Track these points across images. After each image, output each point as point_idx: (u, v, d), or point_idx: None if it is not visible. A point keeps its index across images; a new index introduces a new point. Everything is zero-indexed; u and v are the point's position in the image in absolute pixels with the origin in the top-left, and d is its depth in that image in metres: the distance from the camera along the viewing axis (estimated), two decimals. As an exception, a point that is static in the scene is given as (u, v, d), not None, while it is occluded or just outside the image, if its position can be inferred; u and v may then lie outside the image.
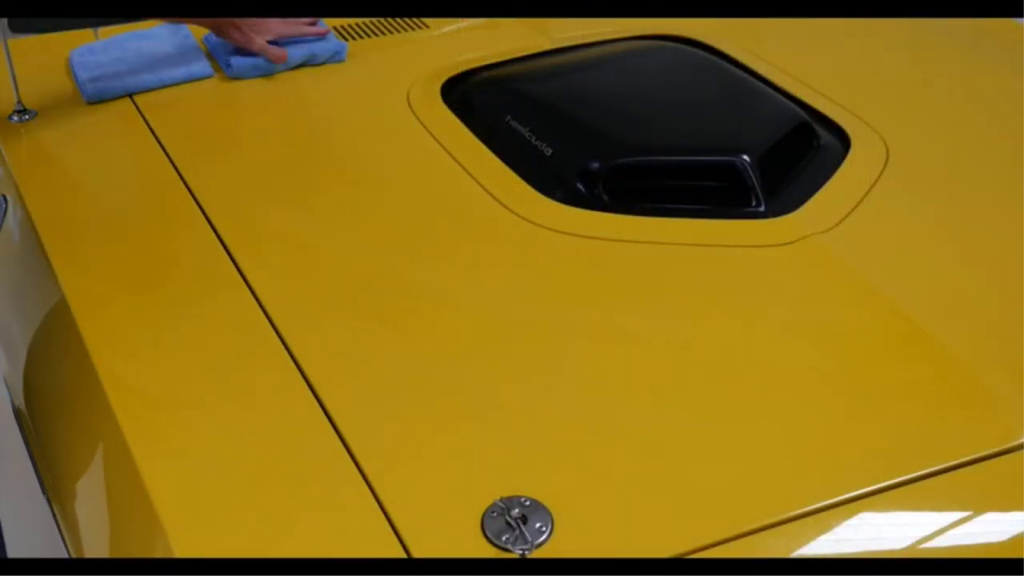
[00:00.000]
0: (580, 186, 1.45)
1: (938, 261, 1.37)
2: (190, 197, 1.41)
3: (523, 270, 1.33)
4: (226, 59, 1.71)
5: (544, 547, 0.95)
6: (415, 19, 1.90)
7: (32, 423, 1.32)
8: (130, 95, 1.66)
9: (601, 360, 1.18)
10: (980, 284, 1.33)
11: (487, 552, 0.94)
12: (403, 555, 0.95)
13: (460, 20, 1.92)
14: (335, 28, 1.87)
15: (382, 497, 0.99)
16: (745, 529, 0.98)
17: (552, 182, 1.45)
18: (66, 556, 1.16)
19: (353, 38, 1.86)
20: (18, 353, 1.41)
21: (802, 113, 1.60)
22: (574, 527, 0.97)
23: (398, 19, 1.90)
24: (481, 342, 1.20)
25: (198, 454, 1.06)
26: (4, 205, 1.49)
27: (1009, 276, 1.33)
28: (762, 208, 1.42)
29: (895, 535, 1.03)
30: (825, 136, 1.60)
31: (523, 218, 1.39)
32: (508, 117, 1.57)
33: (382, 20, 1.89)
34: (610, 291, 1.29)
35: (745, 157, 1.44)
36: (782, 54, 1.81)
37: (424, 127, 1.59)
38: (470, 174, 1.47)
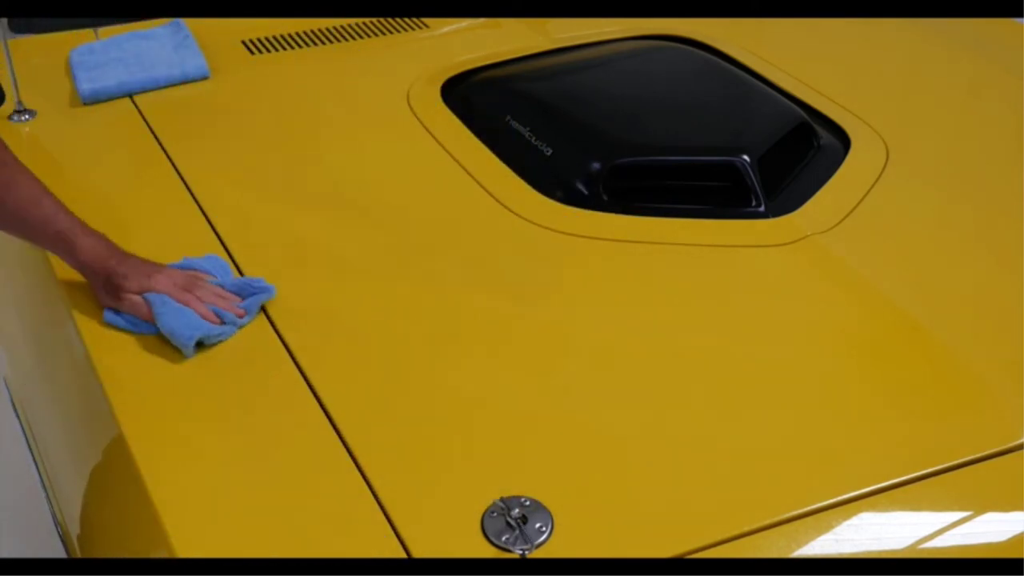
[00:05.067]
0: (580, 186, 1.45)
1: (938, 261, 1.37)
2: (190, 197, 1.41)
3: (523, 270, 1.33)
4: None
5: (544, 547, 0.95)
6: (415, 19, 1.90)
7: (33, 423, 1.32)
8: (128, 95, 1.66)
9: (601, 360, 1.18)
10: (980, 284, 1.33)
11: (487, 552, 0.94)
12: (403, 555, 0.95)
13: (460, 20, 1.92)
14: (336, 28, 1.87)
15: (382, 497, 0.99)
16: (745, 529, 0.98)
17: (552, 182, 1.45)
18: (66, 556, 1.16)
19: (353, 38, 1.86)
20: (18, 353, 1.41)
21: (802, 113, 1.60)
22: (574, 527, 0.97)
23: (398, 19, 1.90)
24: (481, 342, 1.20)
25: (198, 454, 1.06)
26: (4, 205, 1.49)
27: (1009, 276, 1.33)
28: (762, 208, 1.42)
29: (895, 535, 1.03)
30: (825, 136, 1.60)
31: (523, 218, 1.39)
32: (508, 117, 1.57)
33: (382, 20, 1.90)
34: (610, 291, 1.29)
35: (745, 157, 1.44)
36: (782, 54, 1.81)
37: (424, 127, 1.59)
38: (470, 174, 1.47)
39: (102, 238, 1.23)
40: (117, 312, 1.20)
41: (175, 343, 1.15)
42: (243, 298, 1.22)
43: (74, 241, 1.21)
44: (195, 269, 1.25)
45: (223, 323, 1.18)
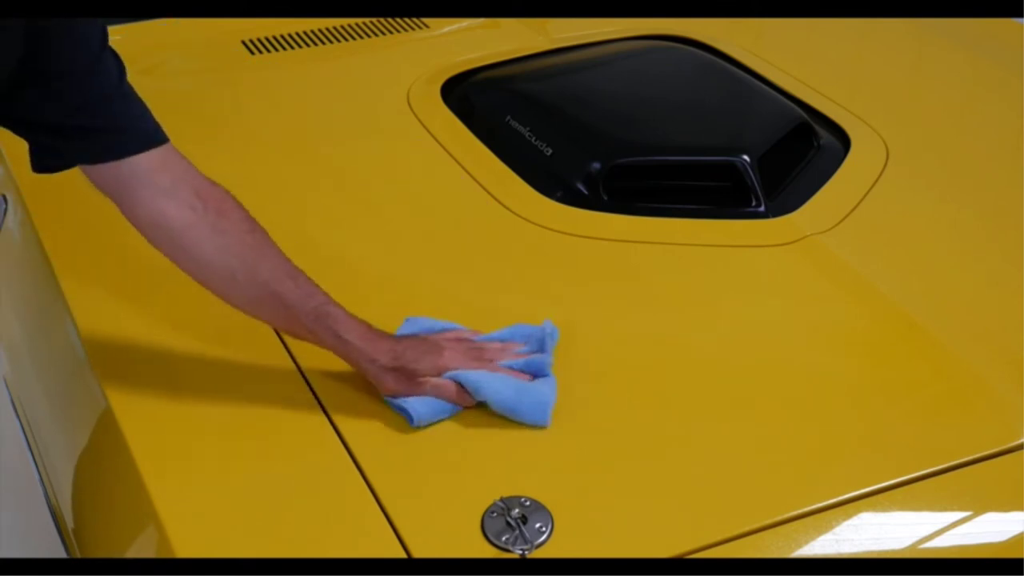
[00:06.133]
0: (580, 186, 1.45)
1: (938, 261, 1.37)
2: (190, 197, 1.41)
3: (523, 270, 1.33)
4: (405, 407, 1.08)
5: (544, 547, 0.95)
6: (415, 19, 1.90)
7: (33, 423, 1.32)
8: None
9: (601, 360, 1.18)
10: (980, 284, 1.33)
11: (487, 552, 0.94)
12: (403, 555, 0.95)
13: (460, 20, 1.92)
14: (336, 28, 1.87)
15: (382, 497, 0.99)
16: (745, 529, 0.98)
17: (552, 182, 1.45)
18: (66, 556, 1.16)
19: (353, 38, 1.86)
20: (19, 353, 1.41)
21: (802, 113, 1.61)
22: (574, 527, 0.97)
23: (398, 19, 1.90)
24: (481, 342, 1.20)
25: (198, 454, 1.06)
26: (4, 205, 1.49)
27: (1009, 276, 1.33)
28: (762, 208, 1.42)
29: (895, 535, 1.03)
30: (825, 136, 1.60)
31: (523, 218, 1.39)
32: (508, 117, 1.57)
33: (382, 20, 1.89)
34: (610, 291, 1.29)
35: (745, 157, 1.44)
36: (782, 54, 1.81)
37: (424, 127, 1.59)
38: (470, 174, 1.47)
39: (358, 318, 1.09)
40: (407, 398, 1.06)
41: (527, 421, 1.05)
42: (519, 343, 1.13)
43: (339, 318, 1.07)
44: (445, 331, 1.14)
45: (533, 377, 1.09)
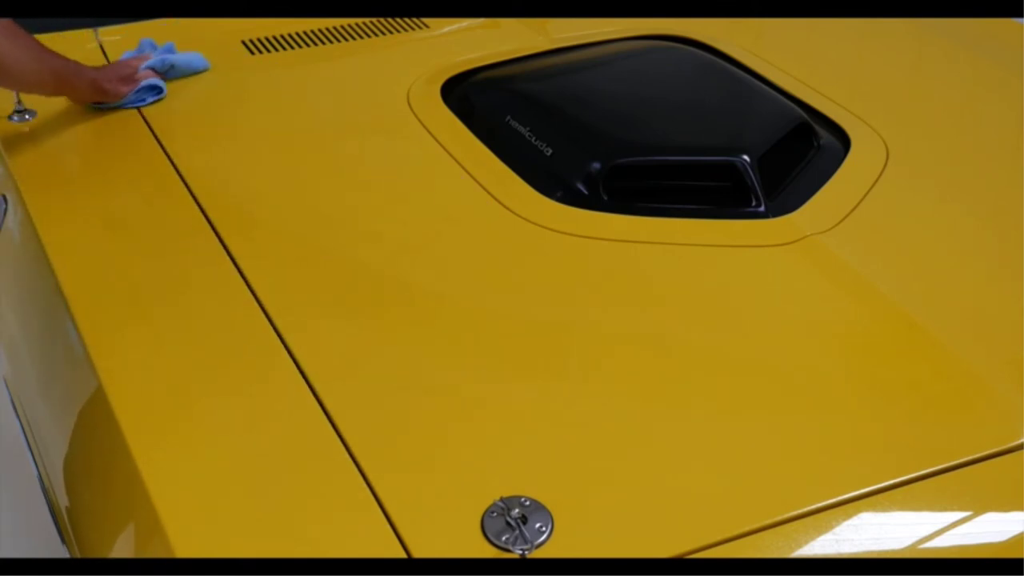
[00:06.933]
0: (580, 186, 1.45)
1: (938, 261, 1.37)
2: (189, 196, 1.41)
3: (523, 270, 1.33)
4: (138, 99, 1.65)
5: (544, 547, 0.95)
6: (415, 19, 1.90)
7: (33, 423, 1.32)
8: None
9: (601, 360, 1.18)
10: (980, 284, 1.33)
11: (487, 552, 0.94)
12: (403, 555, 0.95)
13: (460, 20, 1.92)
14: (336, 28, 1.87)
15: (382, 497, 0.99)
16: (745, 529, 0.98)
17: (552, 182, 1.45)
18: (66, 556, 1.16)
19: (353, 38, 1.86)
20: (18, 353, 1.41)
21: (802, 113, 1.60)
22: (574, 527, 0.97)
23: (398, 19, 1.90)
24: (481, 342, 1.20)
25: (198, 454, 1.06)
26: (4, 205, 1.49)
27: (1009, 275, 1.33)
28: (762, 208, 1.42)
29: (895, 535, 1.03)
30: (825, 136, 1.60)
31: (523, 218, 1.39)
32: (508, 117, 1.57)
33: (382, 20, 1.90)
34: (610, 291, 1.29)
35: (745, 157, 1.44)
36: (782, 54, 1.81)
37: (424, 127, 1.59)
38: (470, 174, 1.47)
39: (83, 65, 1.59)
40: (136, 91, 1.62)
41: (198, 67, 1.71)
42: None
43: (77, 70, 1.56)
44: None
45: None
